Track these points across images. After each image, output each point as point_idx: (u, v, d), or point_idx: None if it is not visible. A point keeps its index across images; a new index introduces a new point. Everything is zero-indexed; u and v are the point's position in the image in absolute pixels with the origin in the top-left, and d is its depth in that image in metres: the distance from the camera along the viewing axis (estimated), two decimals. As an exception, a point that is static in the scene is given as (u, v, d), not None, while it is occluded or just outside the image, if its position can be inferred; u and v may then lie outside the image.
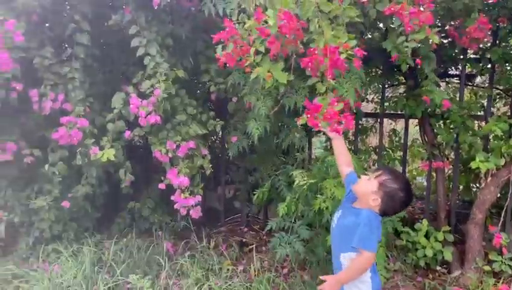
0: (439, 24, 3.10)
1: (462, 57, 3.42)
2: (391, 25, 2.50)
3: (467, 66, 3.52)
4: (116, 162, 2.96)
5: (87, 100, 3.01)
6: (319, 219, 2.94)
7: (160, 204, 4.07)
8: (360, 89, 2.76)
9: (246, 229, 4.21)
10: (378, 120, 4.10)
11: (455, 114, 3.18)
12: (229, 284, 3.06)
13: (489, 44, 3.31)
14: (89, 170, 3.18)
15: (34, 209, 3.54)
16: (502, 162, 3.07)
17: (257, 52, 2.17)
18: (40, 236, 3.57)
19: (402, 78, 3.85)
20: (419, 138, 3.76)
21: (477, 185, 4.05)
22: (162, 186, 3.19)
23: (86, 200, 3.52)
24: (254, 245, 3.74)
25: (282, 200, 3.21)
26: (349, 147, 3.85)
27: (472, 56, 3.57)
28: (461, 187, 4.11)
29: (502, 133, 3.15)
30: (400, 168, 4.04)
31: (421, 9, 2.16)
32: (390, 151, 4.32)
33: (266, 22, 1.98)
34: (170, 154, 3.02)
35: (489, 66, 3.43)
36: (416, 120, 3.62)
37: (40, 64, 2.88)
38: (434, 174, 3.72)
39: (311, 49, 1.90)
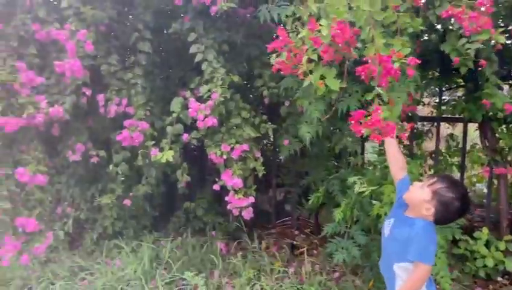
0: (502, 24, 2.98)
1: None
2: (450, 27, 2.45)
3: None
4: (173, 164, 3.10)
5: (148, 104, 3.18)
6: (374, 224, 2.92)
7: (213, 205, 4.20)
8: (414, 92, 2.71)
9: (296, 232, 4.23)
10: (435, 124, 3.99)
11: (519, 118, 3.03)
12: (280, 285, 3.11)
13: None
14: (149, 171, 3.35)
15: (97, 206, 3.80)
16: None
17: (310, 60, 2.20)
18: (103, 232, 3.80)
19: (461, 80, 3.72)
20: (479, 143, 3.62)
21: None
22: (216, 187, 3.29)
23: (145, 200, 3.71)
24: (305, 248, 3.77)
25: (335, 204, 3.22)
26: (404, 152, 3.78)
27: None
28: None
29: None
30: (457, 174, 3.90)
31: (482, 9, 2.09)
32: (447, 156, 4.17)
33: (319, 31, 2.01)
34: (225, 157, 3.12)
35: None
36: (476, 124, 3.49)
37: (107, 71, 3.09)
38: (495, 181, 3.56)
39: (364, 58, 1.91)
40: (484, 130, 3.31)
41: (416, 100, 3.24)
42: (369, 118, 1.75)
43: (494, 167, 3.24)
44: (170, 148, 3.04)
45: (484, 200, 3.89)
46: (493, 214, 3.62)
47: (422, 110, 4.35)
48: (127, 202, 3.41)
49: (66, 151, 3.17)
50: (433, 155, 4.02)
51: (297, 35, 2.24)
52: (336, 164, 3.94)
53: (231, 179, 3.10)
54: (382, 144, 3.72)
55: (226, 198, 3.19)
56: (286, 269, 3.36)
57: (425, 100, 4.22)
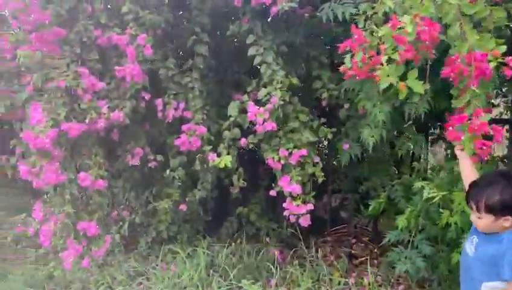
0: None
1: None
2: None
3: None
4: (228, 168, 3.03)
5: (204, 108, 3.14)
6: (442, 234, 2.71)
7: (266, 210, 4.11)
8: (491, 93, 2.50)
9: (353, 241, 4.05)
10: (507, 126, 3.70)
11: None
12: (342, 297, 2.96)
13: None
14: (205, 175, 3.31)
15: (152, 210, 3.81)
16: None
17: (388, 61, 2.05)
18: (157, 236, 3.81)
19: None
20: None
21: None
22: (272, 193, 3.20)
23: (199, 204, 3.67)
24: (364, 258, 3.59)
25: (396, 211, 3.04)
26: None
27: None
28: None
29: None
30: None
31: None
32: (519, 161, 3.85)
33: (400, 28, 1.85)
34: (282, 162, 3.01)
35: None
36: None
37: (164, 75, 3.07)
38: None
39: (452, 58, 1.74)
40: None
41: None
42: (469, 122, 1.58)
43: None
44: (228, 153, 2.97)
45: None
46: None
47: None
48: (183, 207, 3.38)
49: (124, 155, 3.18)
50: (505, 160, 3.72)
51: (372, 34, 2.09)
52: (396, 168, 3.75)
53: (289, 185, 2.99)
54: (449, 147, 3.52)
55: (284, 205, 3.08)
56: (346, 280, 3.21)
57: (495, 101, 3.92)
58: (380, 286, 3.07)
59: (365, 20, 2.27)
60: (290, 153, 3.01)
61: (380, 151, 3.32)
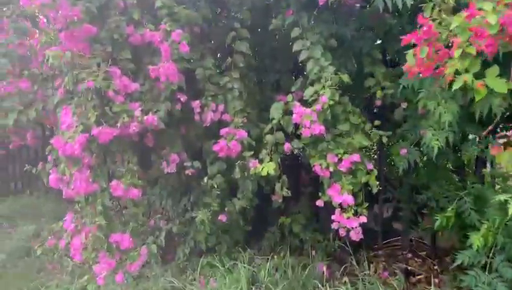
0: None
1: None
2: None
3: None
4: (269, 175, 2.74)
5: (244, 111, 2.87)
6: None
7: (311, 220, 3.81)
8: None
9: (409, 255, 3.65)
10: None
11: None
12: (403, 322, 2.60)
13: None
14: (244, 183, 3.04)
15: (189, 220, 3.60)
16: None
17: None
18: (195, 246, 3.59)
19: None
20: None
21: None
22: (319, 203, 2.88)
23: (239, 213, 3.42)
24: (423, 275, 3.20)
25: (462, 225, 2.66)
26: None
27: None
28: None
29: None
30: None
31: None
32: None
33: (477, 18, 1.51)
34: (331, 169, 2.70)
35: None
36: None
37: (202, 75, 2.84)
38: None
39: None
40: None
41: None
42: None
43: None
44: (270, 159, 2.68)
45: None
46: None
47: None
48: (222, 217, 3.13)
49: (159, 162, 2.96)
50: None
51: (440, 24, 1.76)
52: (458, 176, 3.34)
53: (339, 195, 2.67)
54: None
55: (332, 216, 2.76)
56: (404, 301, 2.84)
57: None
58: (446, 310, 2.68)
59: (432, 8, 1.93)
60: (340, 159, 2.70)
61: (444, 156, 2.93)
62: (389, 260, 3.62)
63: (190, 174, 3.01)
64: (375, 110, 3.39)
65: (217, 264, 3.30)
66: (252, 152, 2.80)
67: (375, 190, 2.72)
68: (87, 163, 2.43)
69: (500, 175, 2.95)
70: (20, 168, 6.06)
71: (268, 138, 2.77)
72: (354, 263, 3.31)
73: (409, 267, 3.43)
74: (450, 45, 1.92)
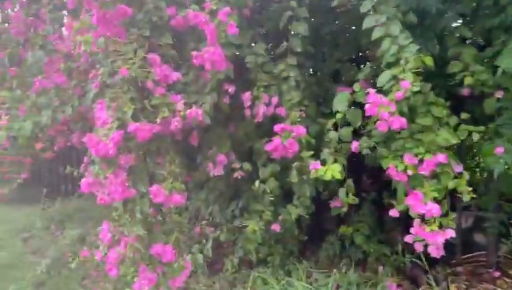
0: None
1: None
2: None
3: None
4: (335, 180, 2.30)
5: (301, 104, 2.46)
6: None
7: (375, 230, 3.34)
8: None
9: (496, 274, 3.07)
10: None
11: None
12: None
13: None
14: (301, 188, 2.62)
15: (238, 227, 3.25)
16: None
17: None
18: (244, 256, 3.24)
19: None
20: None
21: None
22: (394, 213, 2.41)
23: (294, 222, 3.02)
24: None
25: None
26: None
27: None
28: None
29: None
30: None
31: None
32: None
33: None
34: (410, 172, 2.22)
35: None
36: None
37: (253, 63, 2.45)
38: None
39: None
40: None
41: None
42: None
43: None
44: (335, 161, 2.25)
45: None
46: None
47: None
48: (276, 226, 2.74)
49: (205, 163, 2.61)
50: None
51: None
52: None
53: (421, 204, 2.19)
54: None
55: (411, 230, 2.28)
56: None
57: None
58: None
59: None
60: (421, 160, 2.22)
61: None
62: (471, 279, 3.06)
63: (239, 177, 2.63)
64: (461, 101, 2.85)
65: (270, 280, 2.92)
66: (312, 152, 2.37)
67: (466, 198, 2.20)
68: (124, 164, 2.11)
69: None
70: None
71: (332, 135, 2.33)
72: (433, 282, 2.80)
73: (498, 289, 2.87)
74: None
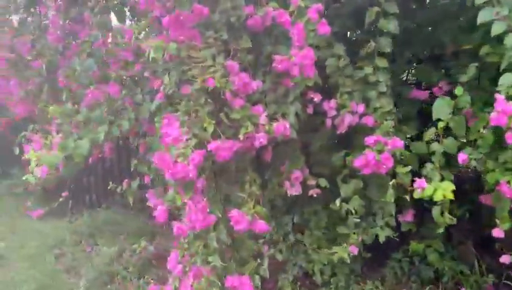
0: None
1: None
2: None
3: None
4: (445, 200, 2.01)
5: (392, 111, 2.16)
6: None
7: (447, 247, 3.05)
8: None
9: None
10: None
11: None
12: None
13: None
14: (386, 207, 2.32)
15: (294, 244, 2.99)
16: None
17: None
18: (303, 276, 3.01)
19: None
20: None
21: None
22: (498, 233, 2.11)
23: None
24: None
25: None
26: None
27: None
28: None
29: None
30: None
31: None
32: None
33: None
34: (525, 188, 1.92)
35: None
36: None
37: (333, 67, 2.15)
38: None
39: None
40: None
41: None
42: None
43: None
44: (442, 178, 1.95)
45: None
46: None
47: None
48: (354, 249, 2.44)
49: (278, 181, 2.32)
50: None
51: None
52: None
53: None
54: None
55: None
56: None
57: None
58: None
59: None
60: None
61: None
62: None
63: (315, 195, 2.33)
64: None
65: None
66: (410, 167, 2.07)
67: None
68: (201, 188, 1.83)
69: None
70: (95, 180, 5.71)
71: (436, 147, 2.03)
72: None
73: None
74: None
